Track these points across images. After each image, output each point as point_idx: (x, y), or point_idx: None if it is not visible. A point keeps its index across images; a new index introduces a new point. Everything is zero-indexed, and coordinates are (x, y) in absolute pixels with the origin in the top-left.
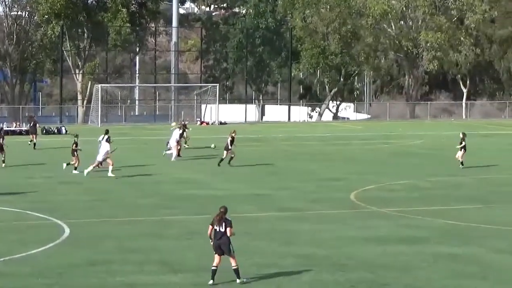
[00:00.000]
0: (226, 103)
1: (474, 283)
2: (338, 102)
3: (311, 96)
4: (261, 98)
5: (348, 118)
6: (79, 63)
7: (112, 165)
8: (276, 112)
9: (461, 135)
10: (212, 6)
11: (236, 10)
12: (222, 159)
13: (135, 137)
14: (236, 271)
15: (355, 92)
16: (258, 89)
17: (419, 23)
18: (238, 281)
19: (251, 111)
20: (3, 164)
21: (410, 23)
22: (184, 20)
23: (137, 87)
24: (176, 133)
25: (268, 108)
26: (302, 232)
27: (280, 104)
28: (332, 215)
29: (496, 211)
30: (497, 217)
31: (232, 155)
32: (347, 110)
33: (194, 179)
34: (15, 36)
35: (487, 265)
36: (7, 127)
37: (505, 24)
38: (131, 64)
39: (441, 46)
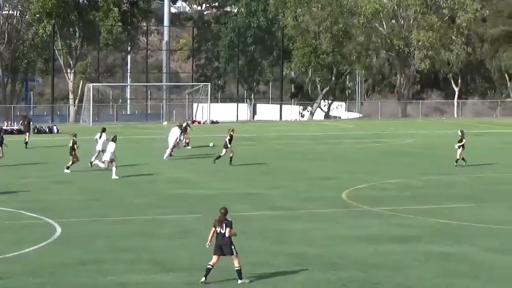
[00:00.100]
0: (217, 102)
1: (466, 282)
2: (329, 101)
3: (302, 95)
4: (252, 97)
5: (339, 117)
6: (71, 62)
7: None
8: (267, 111)
9: (459, 133)
10: (204, 5)
11: (228, 9)
12: (219, 156)
13: (127, 136)
14: (239, 272)
15: (347, 91)
16: (249, 88)
17: (411, 22)
18: (239, 281)
19: (243, 110)
20: None
21: (402, 22)
22: (176, 19)
23: (128, 86)
24: (176, 132)
25: (260, 107)
26: (294, 231)
27: (271, 103)
28: (324, 214)
29: (488, 210)
30: (488, 216)
31: (231, 154)
32: (339, 109)
33: (187, 179)
34: (6, 35)
35: (478, 264)
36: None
37: (496, 23)
38: (122, 63)
39: (433, 45)
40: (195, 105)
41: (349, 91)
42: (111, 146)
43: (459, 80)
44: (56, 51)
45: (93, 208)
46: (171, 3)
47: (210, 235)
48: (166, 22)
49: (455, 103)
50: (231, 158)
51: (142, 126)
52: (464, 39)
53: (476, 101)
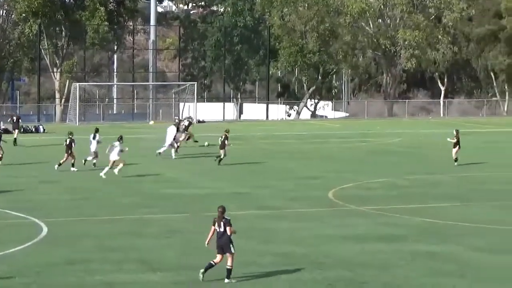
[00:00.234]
0: (204, 101)
1: (452, 281)
2: (316, 101)
3: (289, 95)
4: (239, 96)
5: (326, 116)
6: (57, 61)
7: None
8: (254, 111)
9: (454, 132)
10: (190, 5)
11: (214, 8)
12: (221, 158)
13: (113, 135)
14: (229, 271)
15: (333, 91)
16: (236, 88)
17: (397, 21)
18: (226, 280)
19: (229, 110)
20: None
21: (388, 21)
22: (162, 18)
23: (115, 85)
24: (172, 130)
25: (246, 106)
26: (280, 231)
27: (258, 103)
28: (311, 213)
29: (474, 209)
30: (474, 215)
31: (222, 156)
32: (325, 108)
33: (174, 178)
34: None
35: (464, 263)
36: None
37: (482, 23)
38: (109, 62)
39: (419, 44)
40: (181, 104)
41: (336, 90)
42: (118, 148)
43: (445, 79)
44: (42, 50)
45: (81, 207)
46: (157, 2)
47: (210, 234)
48: (152, 21)
49: (441, 102)
50: (221, 158)
51: (128, 126)
52: (450, 38)
53: (462, 100)
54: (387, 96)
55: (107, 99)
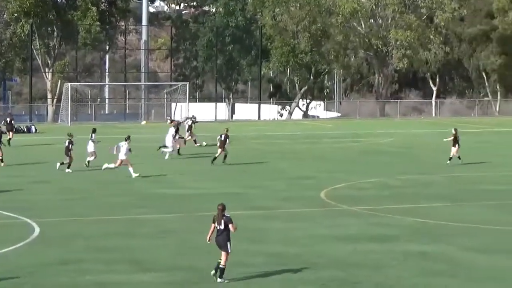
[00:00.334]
0: (196, 101)
1: (444, 281)
2: (308, 101)
3: (281, 95)
4: (231, 96)
5: (318, 117)
6: (49, 61)
7: (119, 165)
8: (246, 111)
9: (453, 131)
10: (182, 5)
11: (206, 8)
12: (225, 156)
13: (105, 136)
14: (222, 270)
15: (325, 91)
16: (228, 88)
17: (389, 21)
18: (219, 280)
19: (221, 110)
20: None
21: (380, 21)
22: (154, 18)
23: (107, 85)
24: (171, 130)
25: (238, 106)
26: (273, 231)
27: (250, 103)
28: (303, 214)
29: (465, 209)
30: (466, 215)
31: (216, 155)
32: (317, 108)
33: (167, 178)
34: None
35: (456, 263)
36: None
37: (474, 23)
38: (101, 62)
39: (411, 44)
40: (173, 104)
41: (328, 90)
42: (124, 147)
43: (437, 80)
44: (34, 50)
45: (73, 207)
46: (149, 2)
47: (210, 231)
48: (144, 21)
49: (433, 103)
50: (215, 157)
51: (120, 126)
52: (442, 39)
53: (454, 100)
54: (379, 96)
55: (99, 99)
